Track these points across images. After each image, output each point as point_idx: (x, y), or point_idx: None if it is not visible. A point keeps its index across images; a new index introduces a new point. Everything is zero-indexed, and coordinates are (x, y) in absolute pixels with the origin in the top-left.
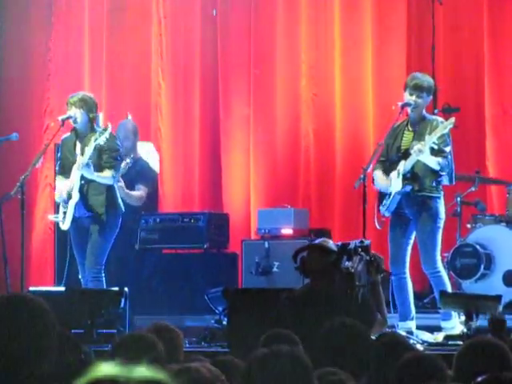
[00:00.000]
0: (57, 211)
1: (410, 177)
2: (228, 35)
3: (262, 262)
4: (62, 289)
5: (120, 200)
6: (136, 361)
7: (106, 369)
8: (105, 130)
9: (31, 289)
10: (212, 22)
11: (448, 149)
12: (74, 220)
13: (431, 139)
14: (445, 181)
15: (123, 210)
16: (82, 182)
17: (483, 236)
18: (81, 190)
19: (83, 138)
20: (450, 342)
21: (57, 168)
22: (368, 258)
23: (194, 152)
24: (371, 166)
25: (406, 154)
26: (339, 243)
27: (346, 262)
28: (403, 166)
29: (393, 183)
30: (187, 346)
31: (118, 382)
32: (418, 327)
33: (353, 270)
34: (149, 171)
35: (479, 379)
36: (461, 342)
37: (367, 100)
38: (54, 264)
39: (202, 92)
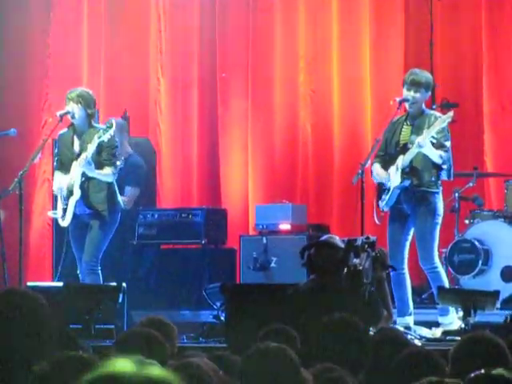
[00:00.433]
0: (55, 207)
1: (409, 171)
2: (227, 31)
3: (259, 257)
4: (60, 284)
5: (119, 197)
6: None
7: (120, 364)
8: (109, 127)
9: (29, 284)
10: (211, 19)
11: (448, 143)
12: (75, 217)
13: (430, 133)
14: (443, 176)
15: (122, 206)
16: (83, 179)
17: (481, 231)
18: (81, 187)
19: (81, 134)
20: (447, 338)
21: (55, 164)
22: (374, 254)
23: (192, 148)
24: (369, 161)
25: (404, 149)
26: (345, 239)
27: (354, 259)
28: (402, 160)
29: (392, 178)
30: (185, 341)
31: (129, 378)
32: (416, 323)
33: (361, 268)
34: (138, 169)
35: (472, 375)
36: (458, 338)
37: (365, 96)
38: (52, 259)
39: (200, 88)
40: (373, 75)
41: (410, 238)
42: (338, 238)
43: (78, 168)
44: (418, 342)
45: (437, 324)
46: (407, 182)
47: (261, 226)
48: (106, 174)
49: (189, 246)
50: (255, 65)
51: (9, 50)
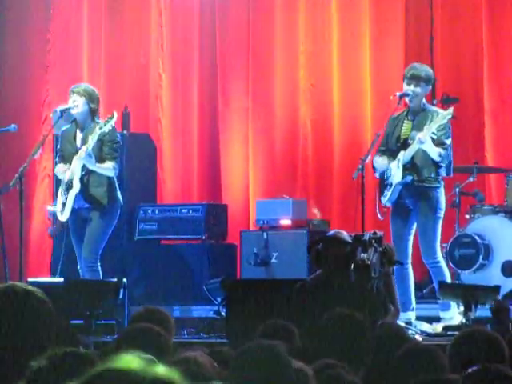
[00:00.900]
0: (55, 202)
1: (410, 167)
2: (227, 26)
3: (260, 252)
4: (61, 280)
5: (119, 193)
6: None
7: (126, 360)
8: (110, 118)
9: (30, 280)
10: (211, 14)
11: (449, 141)
12: (73, 211)
13: (430, 129)
14: (442, 173)
15: (122, 202)
16: (83, 172)
17: (482, 226)
18: (81, 181)
19: (84, 129)
20: (448, 333)
21: (56, 159)
22: (381, 249)
23: (193, 143)
24: (369, 156)
25: (404, 144)
26: (353, 234)
27: (362, 254)
28: (403, 156)
29: (393, 174)
30: (185, 336)
31: (134, 375)
32: (417, 318)
33: (369, 262)
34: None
35: (470, 370)
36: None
37: (365, 91)
38: (52, 255)
39: (200, 83)
40: (373, 70)
41: (413, 232)
42: (345, 233)
43: (78, 161)
44: (418, 338)
45: (438, 319)
46: (409, 178)
47: (261, 222)
48: (107, 168)
49: (189, 241)
50: (255, 59)
51: (9, 46)
